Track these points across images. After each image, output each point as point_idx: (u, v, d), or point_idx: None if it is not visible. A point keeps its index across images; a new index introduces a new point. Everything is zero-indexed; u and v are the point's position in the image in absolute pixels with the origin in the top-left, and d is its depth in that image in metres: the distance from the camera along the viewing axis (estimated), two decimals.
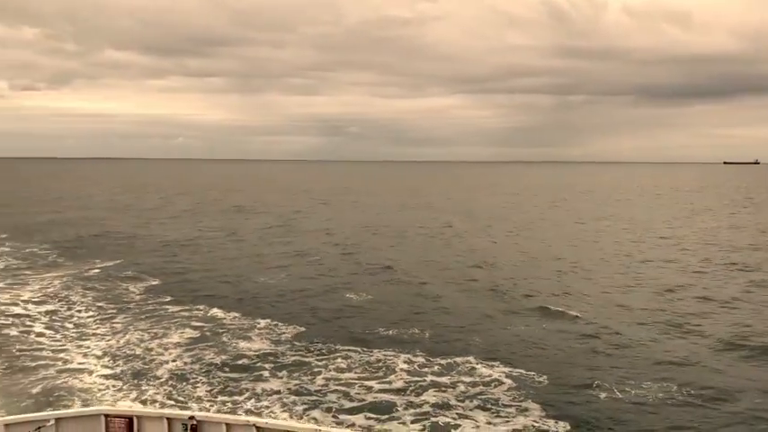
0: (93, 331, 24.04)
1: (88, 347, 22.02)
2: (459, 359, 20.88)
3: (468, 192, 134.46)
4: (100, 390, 18.21)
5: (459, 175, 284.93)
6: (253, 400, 17.51)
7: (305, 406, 17.11)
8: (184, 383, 18.73)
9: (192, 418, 10.27)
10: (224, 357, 20.95)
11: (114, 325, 24.88)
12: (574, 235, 56.44)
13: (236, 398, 17.67)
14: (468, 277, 35.73)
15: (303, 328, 24.36)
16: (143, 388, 18.20)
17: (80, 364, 20.36)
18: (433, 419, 16.39)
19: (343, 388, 18.34)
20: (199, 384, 18.65)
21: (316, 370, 19.82)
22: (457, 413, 16.79)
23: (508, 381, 19.09)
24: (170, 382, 18.76)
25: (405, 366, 20.22)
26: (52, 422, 10.74)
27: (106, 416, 10.73)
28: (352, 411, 16.81)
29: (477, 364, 20.46)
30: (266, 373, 19.51)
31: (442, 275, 36.26)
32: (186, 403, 17.21)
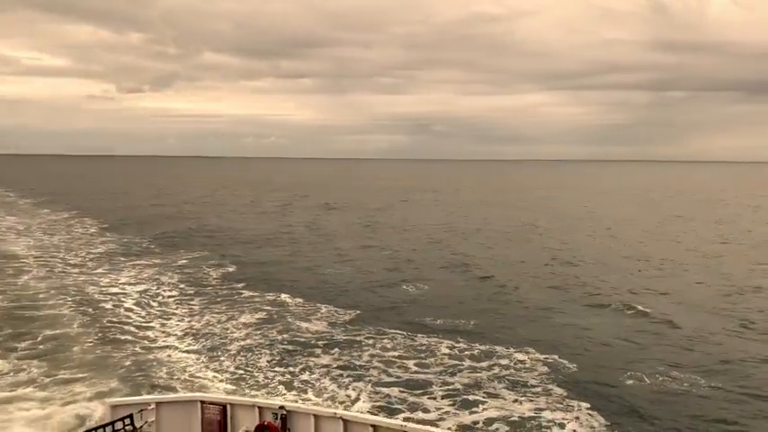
0: (175, 311, 27.18)
1: (171, 325, 25.09)
2: (498, 347, 22.42)
3: (555, 191, 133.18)
4: (181, 361, 20.97)
5: (548, 173, 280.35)
6: (307, 373, 19.81)
7: (349, 378, 19.26)
8: (250, 355, 21.30)
9: (281, 407, 10.57)
10: (285, 336, 23.47)
11: (194, 306, 27.98)
12: (656, 235, 56.04)
13: (291, 369, 20.07)
14: (535, 274, 37.00)
15: (359, 313, 26.59)
16: (217, 359, 20.83)
17: (164, 340, 23.33)
18: (463, 396, 18.11)
19: (384, 365, 20.40)
20: (261, 356, 21.16)
21: (363, 348, 22.01)
22: (486, 392, 18.42)
23: (541, 366, 20.51)
24: (239, 354, 21.35)
25: (446, 351, 22.01)
26: (153, 406, 11.28)
27: (202, 402, 11.26)
28: (388, 385, 18.80)
29: (515, 351, 21.94)
30: (319, 350, 21.85)
31: (510, 271, 37.61)
32: (252, 373, 19.65)
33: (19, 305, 27.38)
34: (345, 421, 10.09)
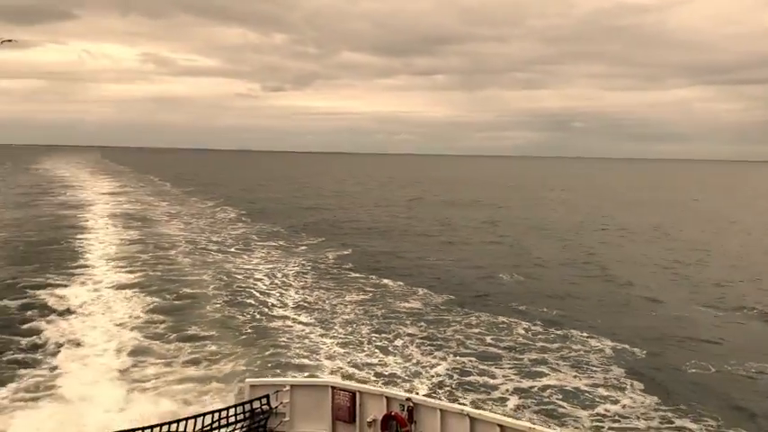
0: (295, 288, 31.25)
1: (291, 300, 29.06)
2: (574, 331, 24.32)
3: (703, 192, 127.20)
4: (298, 331, 24.58)
5: (698, 174, 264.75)
6: (398, 340, 22.87)
7: (431, 347, 22.18)
8: (354, 326, 24.64)
9: (408, 399, 10.78)
10: (383, 311, 26.74)
11: (312, 284, 31.89)
12: None
13: (384, 335, 23.30)
14: (650, 273, 37.91)
15: (453, 297, 29.32)
16: (327, 330, 24.13)
17: (279, 311, 27.34)
18: (528, 368, 20.43)
19: (463, 338, 23.17)
20: (362, 327, 24.48)
21: (449, 324, 24.88)
22: (549, 366, 20.61)
23: (608, 350, 22.27)
24: (345, 326, 24.73)
25: (521, 331, 24.29)
26: (288, 388, 11.77)
27: (333, 387, 11.73)
28: (464, 354, 21.48)
29: (587, 337, 23.78)
30: (409, 323, 24.96)
31: (621, 269, 38.64)
32: (362, 345, 22.52)
33: (169, 279, 32.44)
34: (472, 419, 10.03)
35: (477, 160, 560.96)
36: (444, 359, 21.00)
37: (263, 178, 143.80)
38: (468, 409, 10.48)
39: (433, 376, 19.67)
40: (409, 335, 23.42)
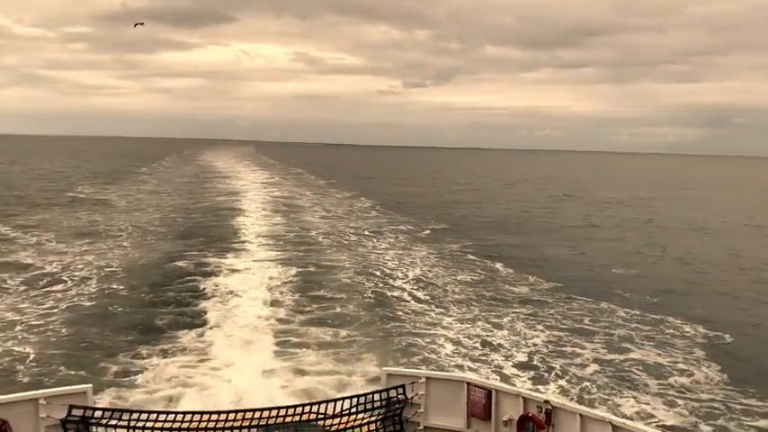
0: (419, 270, 34.81)
1: (410, 279, 32.72)
2: (671, 318, 26.04)
3: None
4: (416, 308, 27.68)
5: None
6: (503, 318, 25.52)
7: (533, 321, 25.02)
8: (462, 305, 27.61)
9: (547, 401, 10.54)
10: (491, 293, 29.73)
11: (432, 269, 35.39)
12: None
13: (491, 313, 26.25)
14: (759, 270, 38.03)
15: (560, 285, 31.62)
16: (442, 307, 27.11)
17: (399, 284, 31.06)
18: (615, 344, 22.74)
19: (561, 317, 25.80)
20: (473, 305, 27.51)
21: (552, 306, 27.51)
22: (635, 344, 22.78)
23: (696, 336, 23.92)
24: (455, 303, 27.87)
25: (622, 314, 26.47)
26: (423, 380, 11.75)
27: (469, 384, 11.55)
28: (561, 329, 24.11)
29: (681, 323, 25.44)
30: (516, 304, 27.92)
31: (743, 265, 39.11)
32: (475, 321, 25.24)
33: (309, 258, 36.83)
34: (615, 427, 9.64)
35: (626, 157, 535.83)
36: (543, 332, 23.78)
37: (401, 173, 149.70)
38: (611, 416, 10.00)
39: (530, 345, 22.40)
40: (512, 314, 26.19)
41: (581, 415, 10.09)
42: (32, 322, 23.00)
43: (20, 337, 21.42)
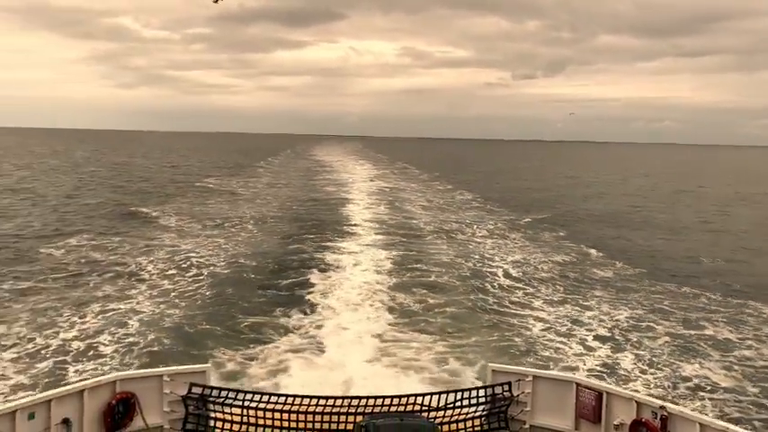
0: (518, 256, 37.17)
1: (508, 264, 34.89)
2: (752, 302, 27.19)
3: None
4: (512, 291, 29.64)
5: None
6: (586, 299, 27.38)
7: (614, 298, 27.01)
8: (554, 285, 29.54)
9: (663, 407, 10.16)
10: (575, 275, 31.74)
11: (529, 255, 37.53)
12: None
13: (574, 294, 28.11)
14: None
15: (644, 271, 33.04)
16: (536, 288, 29.00)
17: (498, 271, 33.37)
18: (690, 322, 24.31)
19: (642, 298, 27.61)
20: (556, 284, 29.63)
21: (634, 290, 29.09)
22: (709, 322, 24.31)
23: None
24: (533, 281, 30.07)
25: (704, 300, 27.81)
26: (530, 378, 11.60)
27: (578, 384, 11.31)
28: (639, 308, 25.89)
29: (762, 305, 26.56)
30: (598, 286, 29.79)
31: None
32: (564, 302, 27.09)
33: (413, 249, 39.48)
34: None
35: (755, 151, 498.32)
36: (624, 310, 25.58)
37: (505, 167, 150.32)
38: (733, 427, 9.62)
39: (611, 320, 24.26)
40: (596, 297, 27.75)
41: (701, 424, 9.73)
42: (184, 289, 27.12)
43: (166, 310, 24.61)
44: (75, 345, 20.33)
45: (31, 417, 9.91)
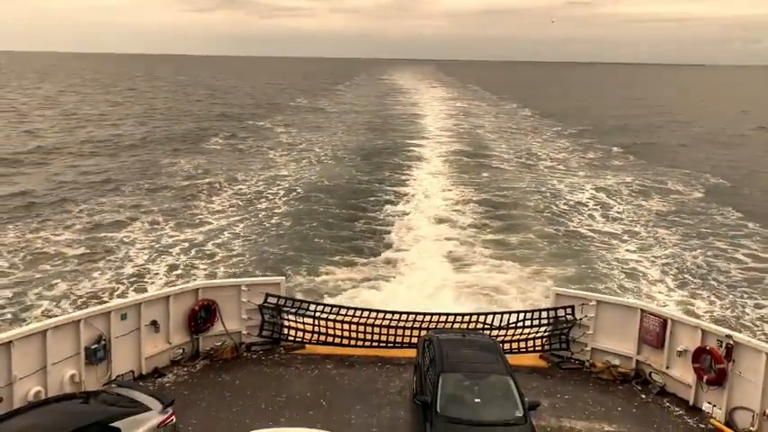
0: (584, 180, 36.76)
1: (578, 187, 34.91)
2: None
3: None
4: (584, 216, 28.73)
5: None
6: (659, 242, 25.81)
7: (693, 246, 25.54)
8: (625, 216, 29.04)
9: (729, 336, 10.09)
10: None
11: (591, 179, 37.13)
12: None
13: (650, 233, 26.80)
14: None
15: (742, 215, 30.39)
16: (627, 232, 26.94)
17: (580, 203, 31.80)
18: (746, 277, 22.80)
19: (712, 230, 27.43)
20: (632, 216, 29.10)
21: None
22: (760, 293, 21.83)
23: None
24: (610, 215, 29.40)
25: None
26: (594, 302, 11.70)
27: (642, 311, 11.37)
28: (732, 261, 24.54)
29: None
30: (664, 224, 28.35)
31: None
32: (632, 233, 26.17)
33: (483, 171, 38.67)
34: None
35: None
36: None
37: (578, 90, 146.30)
38: None
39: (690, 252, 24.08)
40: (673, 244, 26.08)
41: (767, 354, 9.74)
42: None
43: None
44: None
45: (124, 317, 10.82)
